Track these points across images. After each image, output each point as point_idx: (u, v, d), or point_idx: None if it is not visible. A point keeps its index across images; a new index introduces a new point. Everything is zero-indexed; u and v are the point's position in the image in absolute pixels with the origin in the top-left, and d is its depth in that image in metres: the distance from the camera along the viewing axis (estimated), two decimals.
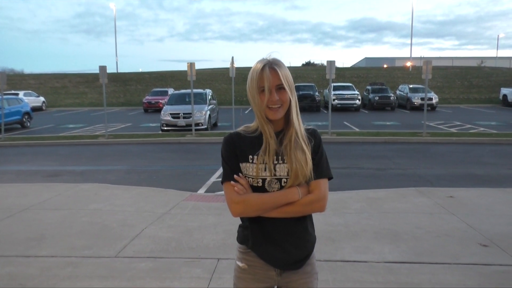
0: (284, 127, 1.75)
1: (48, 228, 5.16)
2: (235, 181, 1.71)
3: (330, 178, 1.78)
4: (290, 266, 1.78)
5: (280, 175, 1.71)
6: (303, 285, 1.82)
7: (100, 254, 4.38)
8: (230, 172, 1.74)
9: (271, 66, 1.67)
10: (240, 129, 1.80)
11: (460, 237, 4.72)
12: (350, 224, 5.18)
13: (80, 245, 4.62)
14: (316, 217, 5.54)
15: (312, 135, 1.79)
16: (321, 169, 1.75)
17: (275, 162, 1.70)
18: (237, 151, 1.74)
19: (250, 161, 1.72)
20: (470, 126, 17.15)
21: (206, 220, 5.42)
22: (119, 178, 8.69)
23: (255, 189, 1.72)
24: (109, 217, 5.59)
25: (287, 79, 1.68)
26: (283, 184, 1.71)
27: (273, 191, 1.71)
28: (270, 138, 1.70)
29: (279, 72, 1.66)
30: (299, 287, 1.82)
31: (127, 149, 12.95)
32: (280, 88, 1.67)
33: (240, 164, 1.74)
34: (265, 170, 1.70)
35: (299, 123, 1.74)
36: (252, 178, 1.72)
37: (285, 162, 1.70)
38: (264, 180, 1.71)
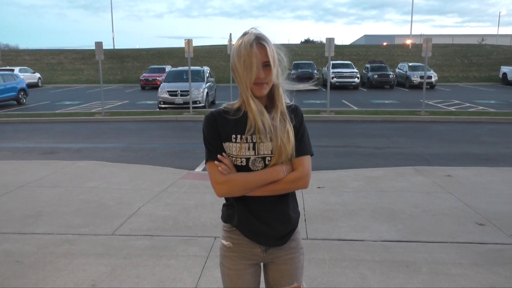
0: (267, 104, 1.72)
1: (44, 205, 5.15)
2: (219, 161, 1.69)
3: (311, 155, 1.78)
4: (275, 242, 1.79)
5: (264, 154, 1.69)
6: (288, 260, 1.83)
7: (97, 231, 4.37)
8: (214, 151, 1.71)
9: (259, 42, 1.63)
10: (222, 107, 1.76)
11: (456, 216, 4.73)
12: (347, 203, 5.18)
13: (77, 222, 4.61)
14: (314, 196, 5.54)
15: (294, 112, 1.76)
16: (303, 146, 1.74)
17: (259, 140, 1.68)
18: (219, 129, 1.71)
19: (233, 140, 1.69)
20: (469, 105, 17.07)
21: (203, 199, 5.41)
22: (116, 155, 8.65)
23: (239, 168, 1.70)
24: (105, 195, 5.57)
25: (273, 56, 1.65)
26: (267, 162, 1.70)
27: (257, 170, 1.70)
28: (261, 113, 1.66)
29: (267, 48, 1.63)
30: (285, 263, 1.83)
31: (124, 126, 12.88)
32: (266, 65, 1.64)
33: (223, 144, 1.71)
34: (249, 149, 1.68)
35: (282, 100, 1.73)
36: (235, 158, 1.69)
37: (268, 140, 1.68)
38: (248, 159, 1.69)
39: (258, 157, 1.69)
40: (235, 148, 1.68)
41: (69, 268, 3.57)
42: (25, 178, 6.33)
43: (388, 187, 5.82)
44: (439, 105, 17.02)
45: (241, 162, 1.69)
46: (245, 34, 1.66)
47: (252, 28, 1.68)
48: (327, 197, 5.37)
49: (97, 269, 3.55)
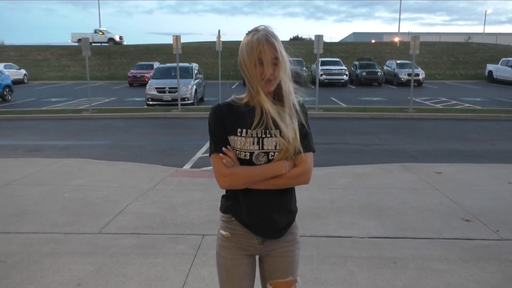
0: (274, 100, 1.74)
1: (29, 204, 5.06)
2: (224, 153, 1.70)
3: (313, 152, 1.80)
4: (273, 234, 1.81)
5: (267, 149, 1.71)
6: (284, 253, 1.85)
7: (83, 230, 4.32)
8: (219, 144, 1.72)
9: (268, 38, 1.65)
10: (230, 99, 1.77)
11: (443, 212, 4.77)
12: (335, 200, 5.19)
13: (63, 221, 4.54)
14: (302, 193, 5.54)
15: (300, 108, 1.78)
16: (307, 142, 1.76)
17: (263, 135, 1.70)
18: (225, 122, 1.72)
19: (239, 134, 1.70)
20: (455, 102, 17.26)
21: (191, 196, 5.38)
22: (103, 153, 8.56)
23: (242, 162, 1.72)
24: (92, 193, 5.51)
25: (281, 52, 1.67)
26: (270, 157, 1.71)
27: (260, 164, 1.71)
28: (270, 107, 1.67)
29: (276, 45, 1.65)
30: (281, 255, 1.84)
31: (111, 123, 12.75)
32: (275, 62, 1.65)
33: (228, 137, 1.72)
34: (253, 143, 1.70)
35: (289, 97, 1.74)
36: (239, 151, 1.71)
37: (272, 136, 1.70)
38: (251, 153, 1.71)
39: (262, 152, 1.71)
40: (240, 142, 1.70)
41: (54, 268, 3.51)
42: (9, 176, 6.22)
43: (376, 184, 5.86)
44: (426, 102, 17.17)
45: (245, 156, 1.71)
46: (254, 30, 1.68)
47: (261, 25, 1.70)
48: (315, 194, 5.38)
49: (83, 268, 3.50)
